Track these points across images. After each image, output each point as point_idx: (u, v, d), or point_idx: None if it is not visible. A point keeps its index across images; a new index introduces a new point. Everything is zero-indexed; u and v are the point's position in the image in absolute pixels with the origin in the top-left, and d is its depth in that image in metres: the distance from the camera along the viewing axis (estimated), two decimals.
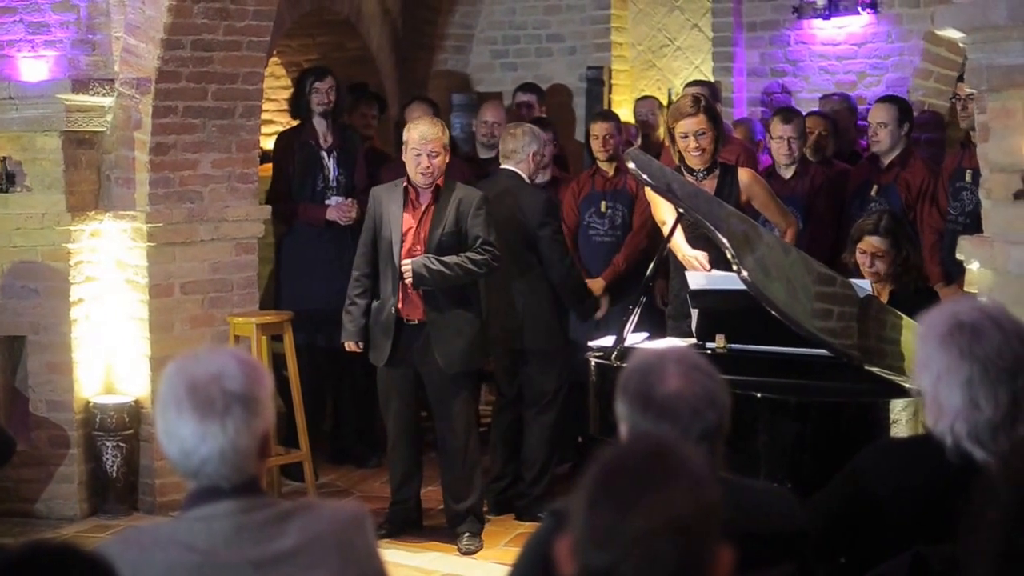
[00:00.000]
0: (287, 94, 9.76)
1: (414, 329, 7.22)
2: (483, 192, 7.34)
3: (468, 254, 7.10)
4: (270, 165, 9.10)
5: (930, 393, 3.37)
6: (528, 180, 7.73)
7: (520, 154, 7.70)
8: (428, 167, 7.11)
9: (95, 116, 7.88)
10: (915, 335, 3.47)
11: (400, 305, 7.18)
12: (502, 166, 7.81)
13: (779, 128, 8.40)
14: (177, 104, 7.88)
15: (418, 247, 7.15)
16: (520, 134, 7.78)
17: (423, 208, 7.21)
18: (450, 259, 7.06)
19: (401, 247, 7.16)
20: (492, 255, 7.15)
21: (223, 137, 8.14)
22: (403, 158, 7.29)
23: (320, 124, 8.88)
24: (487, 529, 7.51)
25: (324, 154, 8.84)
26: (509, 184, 7.69)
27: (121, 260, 7.97)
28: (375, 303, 7.29)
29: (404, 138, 7.29)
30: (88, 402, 7.95)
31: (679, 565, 2.14)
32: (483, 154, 9.52)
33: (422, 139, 7.12)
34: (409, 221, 7.20)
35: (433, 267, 7.04)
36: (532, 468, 7.82)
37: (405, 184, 7.24)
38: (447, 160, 7.24)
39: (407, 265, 7.08)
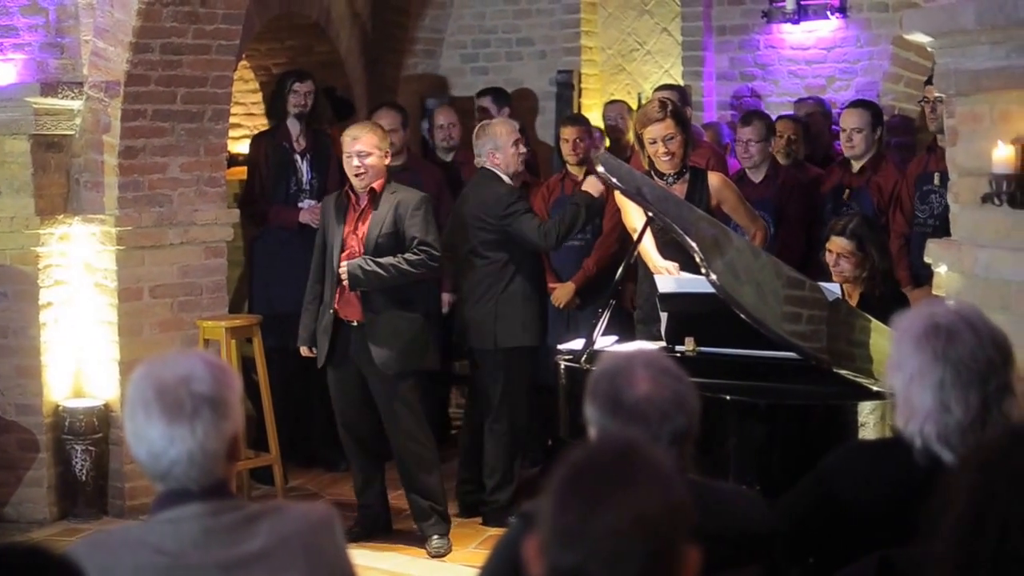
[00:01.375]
0: (256, 98, 9.74)
1: (354, 330, 7.26)
2: (425, 193, 7.40)
3: (404, 255, 7.12)
4: (238, 169, 9.06)
5: (902, 394, 3.38)
6: (504, 175, 7.72)
7: (482, 156, 7.73)
8: (359, 167, 7.14)
9: (64, 119, 7.86)
10: (886, 337, 3.47)
11: (337, 306, 7.23)
12: (477, 165, 7.88)
13: (739, 131, 8.46)
14: (146, 108, 7.86)
15: (357, 250, 7.18)
16: (475, 136, 7.90)
17: (360, 211, 7.24)
18: (386, 260, 7.09)
19: (342, 251, 7.21)
20: (428, 255, 7.15)
21: (192, 141, 8.13)
22: None
23: (294, 127, 8.90)
24: (457, 532, 7.51)
25: (297, 157, 8.85)
26: (480, 182, 7.76)
27: (90, 264, 7.94)
28: (322, 307, 7.33)
29: None
30: (57, 406, 7.93)
31: (646, 564, 2.14)
32: (443, 157, 9.70)
33: (351, 139, 7.18)
34: (348, 225, 7.24)
35: (368, 268, 7.07)
36: (492, 477, 7.81)
37: (345, 189, 7.28)
38: (384, 161, 7.24)
39: (343, 267, 7.11)
